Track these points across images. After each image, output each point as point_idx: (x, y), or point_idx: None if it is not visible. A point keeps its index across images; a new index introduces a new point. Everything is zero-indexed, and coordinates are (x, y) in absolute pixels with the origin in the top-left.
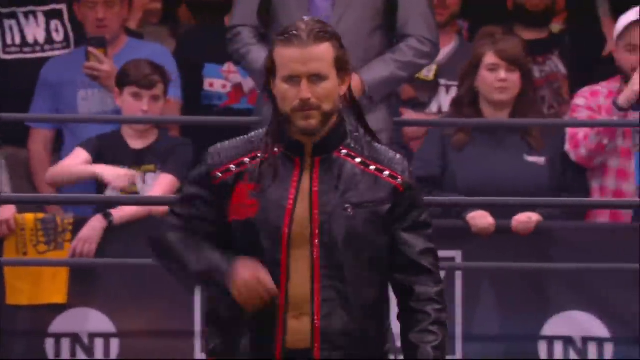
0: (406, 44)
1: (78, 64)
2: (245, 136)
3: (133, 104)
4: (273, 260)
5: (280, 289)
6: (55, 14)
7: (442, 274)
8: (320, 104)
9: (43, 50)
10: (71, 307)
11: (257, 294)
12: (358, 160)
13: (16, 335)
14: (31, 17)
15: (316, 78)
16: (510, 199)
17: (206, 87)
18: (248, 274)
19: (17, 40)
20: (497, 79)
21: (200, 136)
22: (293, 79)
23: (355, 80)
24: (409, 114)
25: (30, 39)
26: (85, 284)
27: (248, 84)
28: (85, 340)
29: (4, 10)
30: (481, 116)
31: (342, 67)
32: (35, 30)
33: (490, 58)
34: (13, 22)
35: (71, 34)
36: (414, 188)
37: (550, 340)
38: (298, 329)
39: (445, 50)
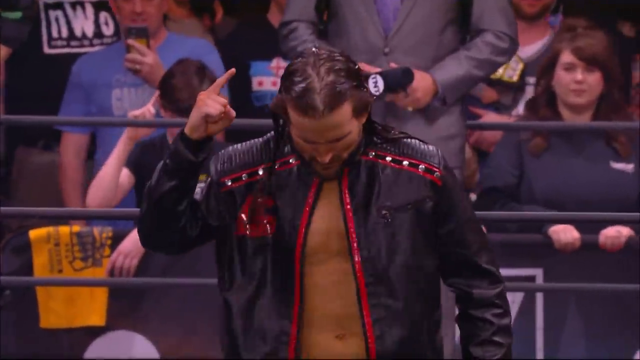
0: (482, 40)
1: (112, 61)
2: (262, 140)
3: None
4: (286, 281)
5: (293, 309)
6: (105, 6)
7: (520, 295)
8: (340, 155)
9: (92, 45)
10: (110, 329)
11: (214, 97)
12: (389, 158)
13: None
14: (79, 9)
15: (335, 140)
16: (599, 213)
17: (255, 86)
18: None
19: (64, 33)
20: (573, 80)
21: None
22: (309, 141)
23: (427, 81)
24: (489, 117)
25: (78, 32)
26: (126, 305)
27: None
28: None
29: (50, 0)
30: (559, 119)
31: (362, 107)
32: (83, 23)
33: (566, 56)
34: (59, 13)
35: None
36: (453, 180)
37: None
38: (343, 350)
39: (536, 47)
